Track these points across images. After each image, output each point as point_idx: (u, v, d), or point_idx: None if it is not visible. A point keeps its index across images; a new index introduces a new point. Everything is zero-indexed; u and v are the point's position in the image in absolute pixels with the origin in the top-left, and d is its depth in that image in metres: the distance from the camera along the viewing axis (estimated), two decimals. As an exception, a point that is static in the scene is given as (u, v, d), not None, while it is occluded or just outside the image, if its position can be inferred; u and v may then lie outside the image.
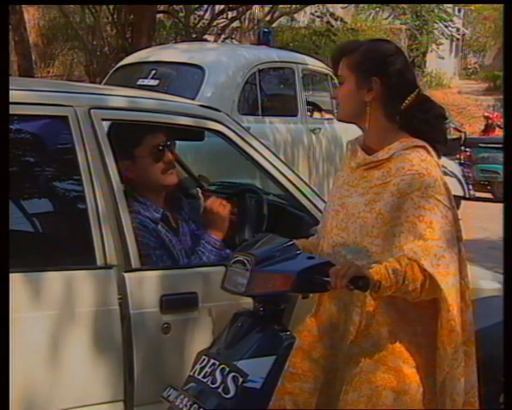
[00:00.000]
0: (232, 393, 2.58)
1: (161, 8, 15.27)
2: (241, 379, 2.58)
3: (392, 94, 2.76)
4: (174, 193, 3.50)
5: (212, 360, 2.67)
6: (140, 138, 3.31)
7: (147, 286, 2.98)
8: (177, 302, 3.04)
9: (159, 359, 3.00)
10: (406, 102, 2.76)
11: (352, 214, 2.75)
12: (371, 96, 2.75)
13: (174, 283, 3.07)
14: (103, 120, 3.07)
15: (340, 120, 2.95)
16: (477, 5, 31.23)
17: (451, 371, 2.68)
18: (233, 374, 2.59)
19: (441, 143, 2.85)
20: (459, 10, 32.88)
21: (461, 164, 12.33)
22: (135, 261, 2.97)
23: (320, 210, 3.34)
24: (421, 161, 2.70)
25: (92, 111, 3.02)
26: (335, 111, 8.30)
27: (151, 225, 3.26)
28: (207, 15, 16.72)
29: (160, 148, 3.34)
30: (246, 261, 2.68)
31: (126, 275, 2.93)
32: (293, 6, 18.67)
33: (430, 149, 2.77)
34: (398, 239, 2.64)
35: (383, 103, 2.77)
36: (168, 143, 3.39)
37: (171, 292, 3.02)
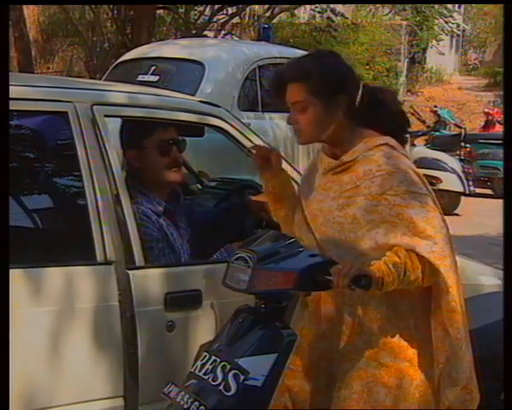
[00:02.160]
0: (233, 390, 2.57)
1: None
2: (242, 377, 2.57)
3: (351, 101, 2.76)
4: (177, 190, 3.50)
5: (214, 357, 2.67)
6: (151, 130, 3.33)
7: (151, 284, 2.98)
8: (182, 300, 3.03)
9: (163, 357, 3.00)
10: (358, 99, 2.76)
11: (328, 220, 2.76)
12: (342, 112, 2.75)
13: (178, 280, 3.07)
14: (106, 116, 3.06)
15: (304, 144, 2.91)
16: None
17: (455, 351, 2.70)
18: (234, 371, 2.59)
19: (402, 128, 2.85)
20: (459, 6, 32.86)
21: (461, 160, 12.32)
22: (139, 259, 2.97)
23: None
24: (387, 159, 2.70)
25: (95, 107, 3.02)
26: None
27: (154, 216, 3.27)
28: (207, 11, 16.70)
29: (169, 143, 3.36)
30: (248, 258, 2.67)
31: (130, 273, 2.93)
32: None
33: (393, 142, 2.77)
34: (375, 241, 2.64)
35: (348, 113, 2.76)
36: (178, 141, 3.41)
37: (175, 290, 3.01)
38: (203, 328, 3.07)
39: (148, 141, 3.34)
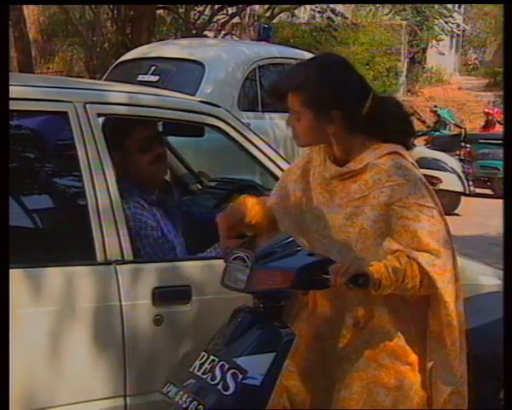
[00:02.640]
0: (232, 390, 2.57)
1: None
2: (240, 376, 2.57)
3: (352, 114, 2.68)
4: (167, 185, 3.51)
5: (212, 357, 2.67)
6: (129, 130, 3.34)
7: (139, 278, 2.98)
8: (171, 295, 3.04)
9: (150, 351, 3.00)
10: (364, 109, 2.69)
11: (333, 226, 2.73)
12: (335, 128, 2.68)
13: (167, 276, 3.07)
14: (99, 115, 3.06)
15: (301, 146, 2.88)
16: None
17: (448, 361, 2.69)
18: (232, 371, 2.59)
19: (407, 138, 2.81)
20: (459, 6, 32.87)
21: (461, 160, 12.31)
22: (127, 254, 2.97)
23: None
24: (397, 169, 2.66)
25: (88, 106, 3.02)
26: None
27: (146, 205, 3.27)
28: (207, 11, 16.70)
29: (149, 140, 3.36)
30: (246, 258, 2.67)
31: (118, 267, 2.93)
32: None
33: (403, 151, 2.72)
34: (383, 248, 2.63)
35: (345, 125, 2.69)
36: (159, 135, 3.41)
37: (164, 285, 3.02)
38: (192, 323, 3.07)
39: (129, 142, 3.34)
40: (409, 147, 2.80)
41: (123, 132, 3.35)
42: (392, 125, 2.75)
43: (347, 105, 2.68)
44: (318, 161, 2.84)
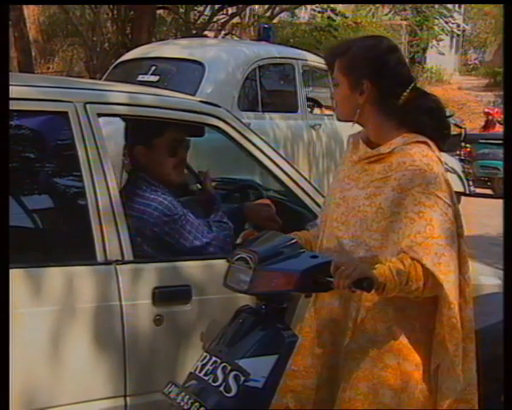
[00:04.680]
0: (233, 392, 2.57)
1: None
2: (242, 378, 2.56)
3: (385, 94, 2.74)
4: (178, 190, 3.50)
5: (214, 358, 2.66)
6: (162, 129, 3.32)
7: (139, 278, 2.98)
8: (171, 295, 3.04)
9: (151, 350, 3.00)
10: (402, 97, 2.74)
11: (353, 208, 2.74)
12: (363, 99, 2.74)
13: (167, 276, 3.07)
14: (99, 115, 3.05)
15: (339, 120, 2.93)
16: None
17: (453, 366, 2.67)
18: (235, 373, 2.58)
19: (441, 137, 2.82)
20: (459, 6, 32.90)
21: (461, 160, 12.33)
22: (127, 254, 2.96)
23: (319, 206, 3.34)
24: (422, 156, 2.69)
25: (88, 106, 3.01)
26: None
27: (161, 204, 3.24)
28: (207, 11, 16.72)
29: (178, 143, 3.37)
30: (249, 259, 2.66)
31: (118, 267, 2.93)
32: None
33: (432, 144, 2.75)
34: (397, 236, 2.63)
35: (378, 103, 2.75)
36: (186, 141, 3.42)
37: (164, 285, 3.01)
38: (192, 323, 3.07)
39: (159, 140, 3.32)
40: (441, 147, 2.81)
41: (154, 130, 3.32)
42: (427, 120, 2.77)
43: (380, 80, 2.73)
44: (351, 148, 2.88)
